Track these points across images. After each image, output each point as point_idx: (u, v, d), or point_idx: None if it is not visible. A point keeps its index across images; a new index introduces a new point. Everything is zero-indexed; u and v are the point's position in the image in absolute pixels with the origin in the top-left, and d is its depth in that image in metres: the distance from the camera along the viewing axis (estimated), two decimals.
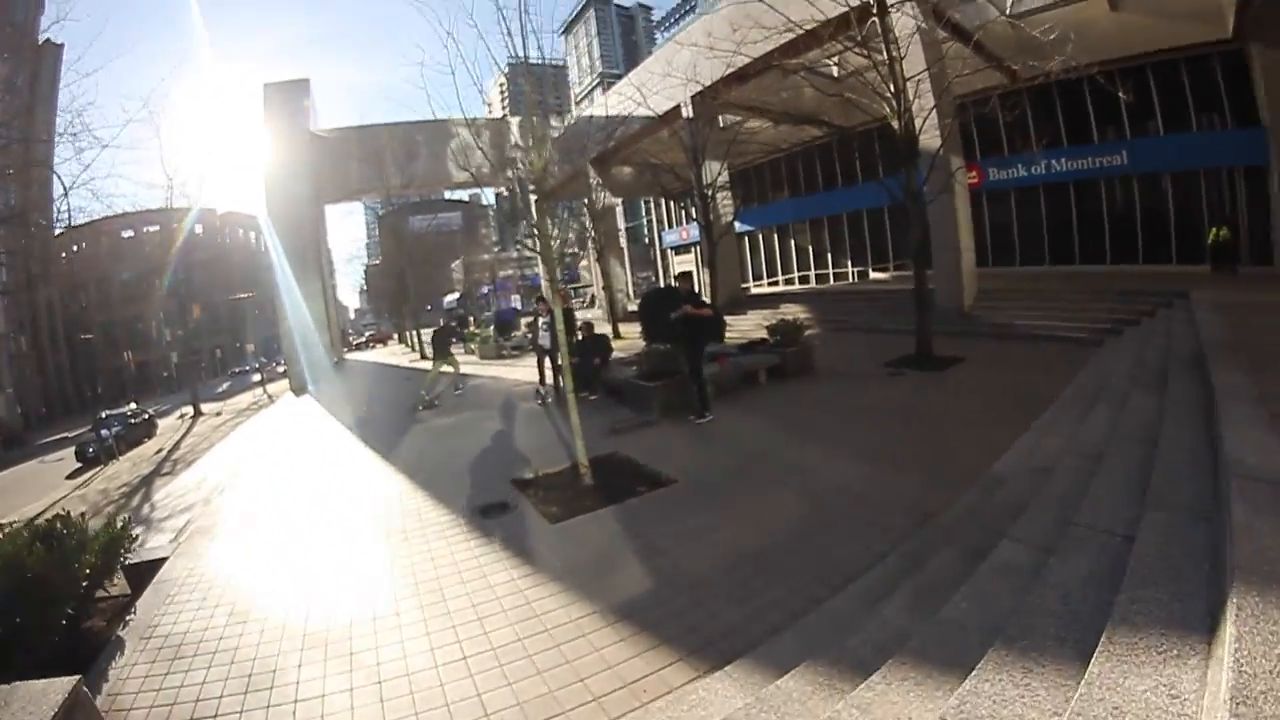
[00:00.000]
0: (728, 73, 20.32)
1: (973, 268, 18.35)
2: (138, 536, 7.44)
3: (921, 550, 4.86)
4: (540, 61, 8.39)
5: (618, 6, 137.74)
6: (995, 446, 7.02)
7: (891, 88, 12.77)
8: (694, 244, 39.05)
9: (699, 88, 22.61)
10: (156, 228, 61.68)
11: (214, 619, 5.73)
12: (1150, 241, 21.52)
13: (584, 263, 66.67)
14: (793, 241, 35.64)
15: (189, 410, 32.31)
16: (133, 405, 32.03)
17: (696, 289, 11.45)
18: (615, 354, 15.86)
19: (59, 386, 56.74)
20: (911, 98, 12.91)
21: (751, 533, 5.84)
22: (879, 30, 13.09)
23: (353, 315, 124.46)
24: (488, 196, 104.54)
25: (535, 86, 9.91)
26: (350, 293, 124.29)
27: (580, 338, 14.32)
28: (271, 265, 35.23)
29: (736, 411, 10.82)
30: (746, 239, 36.87)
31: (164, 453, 21.48)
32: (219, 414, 30.94)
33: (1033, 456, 6.42)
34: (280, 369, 42.39)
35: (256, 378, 38.90)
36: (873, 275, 30.53)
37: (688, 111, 24.96)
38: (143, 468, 19.00)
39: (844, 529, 5.69)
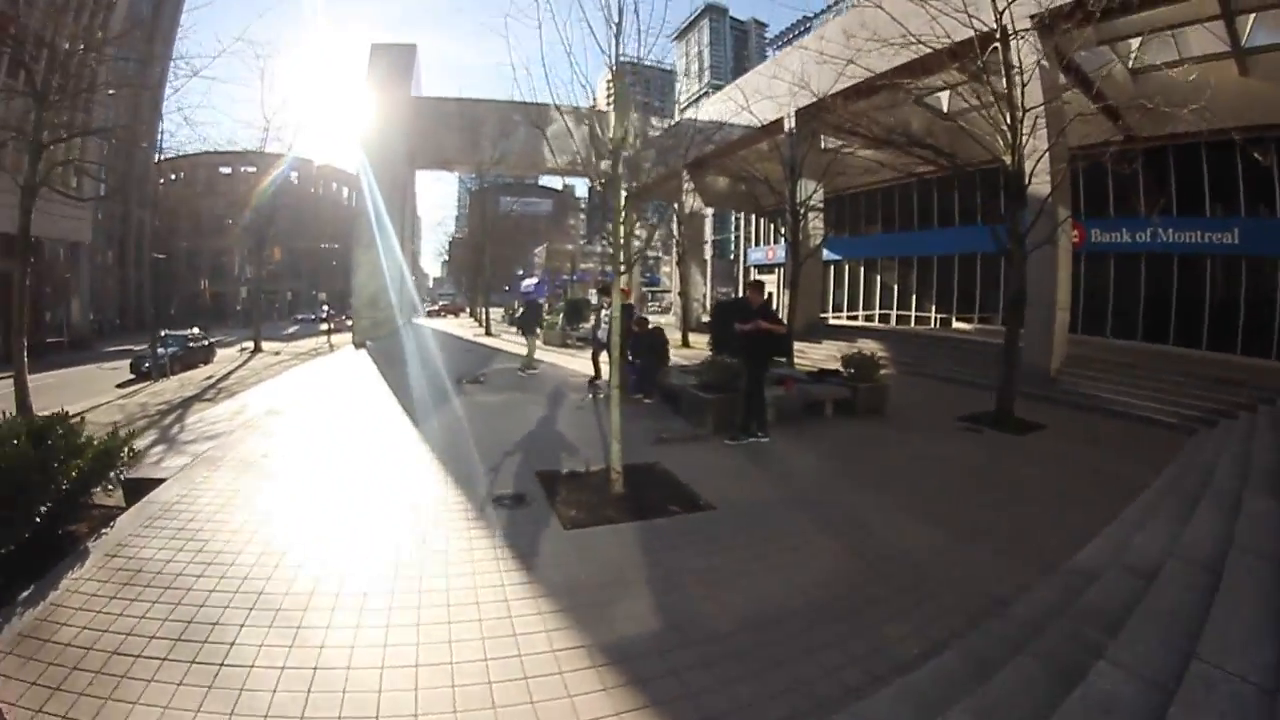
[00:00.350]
0: (836, 87, 19.37)
1: (1065, 329, 17.09)
2: (138, 451, 7.35)
3: (989, 651, 3.96)
4: (637, 59, 7.72)
5: (732, 19, 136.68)
6: (1076, 532, 6.11)
7: (1007, 118, 11.69)
8: (779, 265, 38.04)
9: (806, 100, 21.66)
10: (254, 169, 63.09)
11: (182, 552, 5.45)
12: (1251, 331, 19.74)
13: (666, 268, 65.99)
14: (878, 277, 34.31)
15: (250, 345, 32.72)
16: (195, 329, 32.94)
17: (774, 305, 10.57)
18: (680, 363, 15.37)
19: (137, 303, 58.55)
20: (1025, 134, 11.78)
21: (788, 586, 5.01)
22: (999, 59, 11.92)
23: (431, 284, 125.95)
24: (580, 189, 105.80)
25: (631, 72, 9.23)
26: (433, 261, 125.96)
27: (636, 331, 13.57)
28: (355, 220, 35.60)
29: (796, 442, 9.92)
30: (831, 268, 35.66)
31: (213, 380, 21.84)
32: (278, 353, 31.33)
33: (1125, 553, 5.42)
34: (348, 321, 42.81)
35: (324, 326, 39.28)
36: (955, 324, 29.10)
37: (790, 124, 24.17)
38: (187, 390, 19.18)
39: (896, 601, 4.82)
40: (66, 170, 16.19)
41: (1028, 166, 11.98)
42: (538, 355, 18.98)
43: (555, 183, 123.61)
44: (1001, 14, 11.58)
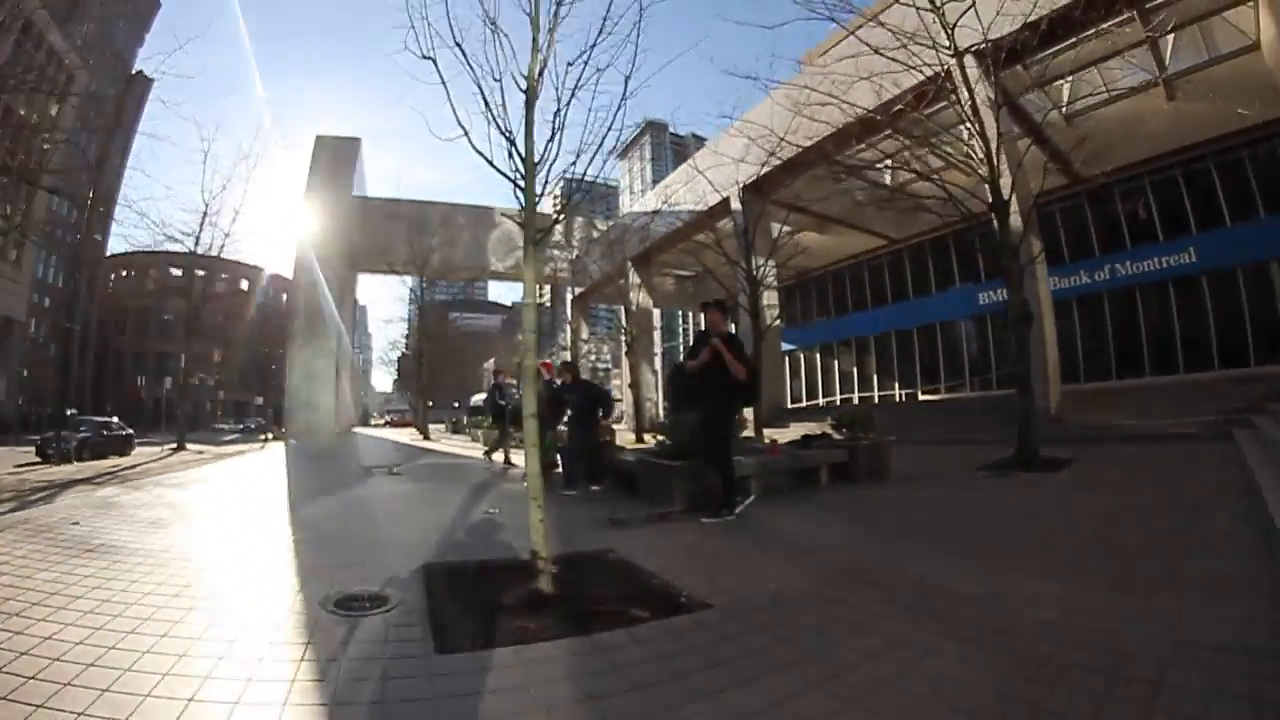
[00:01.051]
0: (775, 160, 18.04)
1: (1058, 367, 15.88)
2: None
3: None
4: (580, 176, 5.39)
5: (672, 135, 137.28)
6: (1233, 542, 4.51)
7: (978, 127, 10.69)
8: None
9: (752, 172, 20.25)
10: (203, 273, 60.68)
11: None
12: (1226, 344, 18.94)
13: (617, 380, 62.91)
14: (836, 362, 32.43)
15: (174, 444, 29.11)
16: (115, 419, 29.42)
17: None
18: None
19: (77, 398, 53.88)
20: (995, 142, 10.64)
21: None
22: (956, 84, 11.26)
23: (381, 399, 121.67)
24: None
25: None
26: (383, 376, 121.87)
27: (561, 383, 10.54)
28: (288, 317, 33.07)
29: (799, 513, 7.08)
30: (786, 359, 32.72)
31: (117, 468, 18.20)
32: (201, 452, 27.51)
33: None
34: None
35: (264, 436, 35.67)
36: (922, 398, 26.93)
37: (736, 202, 22.37)
38: (82, 474, 15.78)
39: (1119, 709, 2.29)
40: None
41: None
42: (459, 451, 15.97)
43: (504, 298, 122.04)
44: (954, 29, 10.55)
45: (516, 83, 4.76)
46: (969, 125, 10.85)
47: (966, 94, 10.99)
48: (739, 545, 5.60)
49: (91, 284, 60.20)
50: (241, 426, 55.21)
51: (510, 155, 4.79)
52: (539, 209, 4.81)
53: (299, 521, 7.10)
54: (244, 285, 67.69)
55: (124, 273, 63.47)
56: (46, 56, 39.35)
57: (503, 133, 4.81)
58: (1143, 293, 20.70)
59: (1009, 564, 4.31)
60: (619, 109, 4.87)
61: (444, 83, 4.83)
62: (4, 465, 18.81)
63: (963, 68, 11.22)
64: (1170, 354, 19.96)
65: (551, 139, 4.73)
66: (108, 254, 59.64)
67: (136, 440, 28.38)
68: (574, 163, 5.06)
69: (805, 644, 3.13)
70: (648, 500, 8.04)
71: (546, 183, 4.87)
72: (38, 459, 21.31)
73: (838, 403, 31.09)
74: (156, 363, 63.31)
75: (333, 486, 10.65)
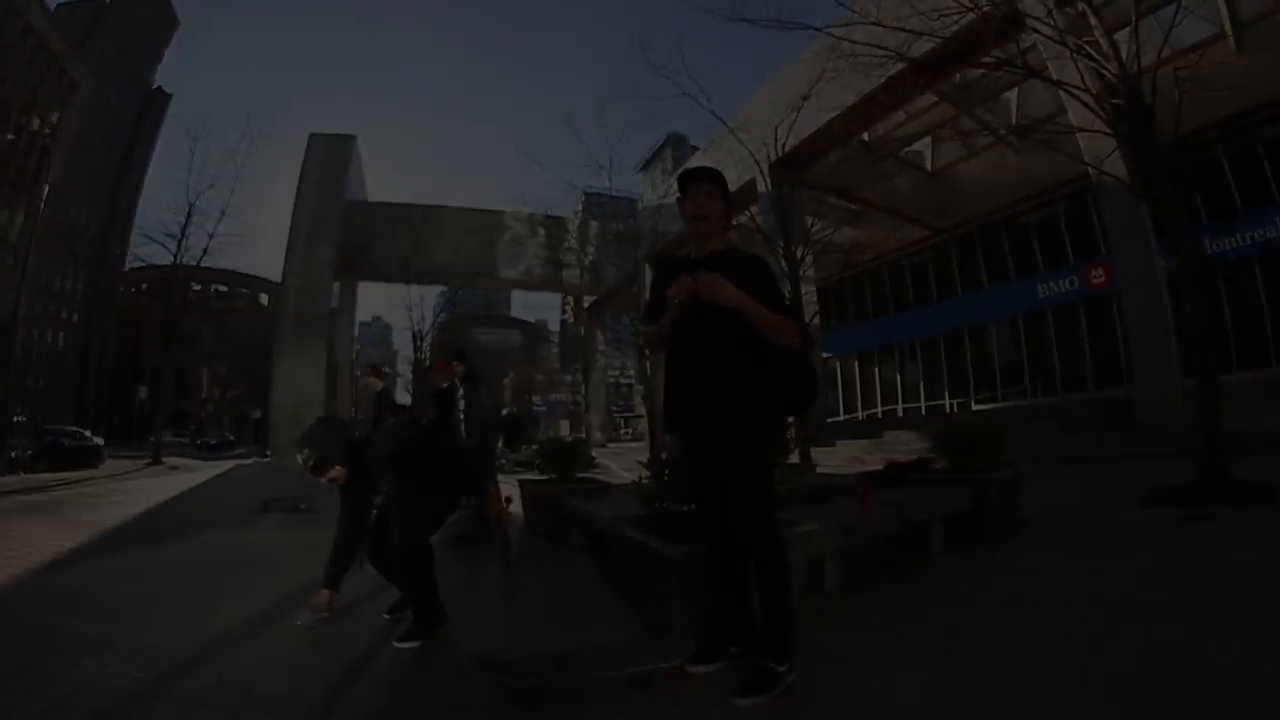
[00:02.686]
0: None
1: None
2: None
3: None
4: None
5: (693, 146, 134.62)
6: None
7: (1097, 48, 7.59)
8: None
9: (779, 146, 16.80)
10: (225, 287, 58.25)
11: None
12: None
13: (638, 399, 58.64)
14: (876, 370, 28.30)
15: (150, 459, 25.86)
16: (87, 431, 27.11)
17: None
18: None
19: (95, 410, 53.02)
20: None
21: None
22: None
23: None
24: (553, 321, 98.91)
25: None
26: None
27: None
28: (272, 324, 29.95)
29: (923, 641, 2.96)
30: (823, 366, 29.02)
31: (50, 483, 16.09)
32: (175, 468, 24.09)
33: None
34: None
35: (268, 453, 32.09)
36: (975, 407, 22.75)
37: (765, 177, 18.06)
38: (9, 487, 14.42)
39: None
40: None
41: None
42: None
43: (528, 313, 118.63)
44: None
45: None
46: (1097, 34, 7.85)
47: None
48: None
49: (110, 296, 57.74)
50: (200, 441, 48.02)
51: None
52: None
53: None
54: (264, 300, 64.85)
55: (143, 286, 61.29)
56: (48, 61, 37.07)
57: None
58: (1262, 266, 16.81)
59: None
60: None
61: None
62: None
63: None
64: None
65: None
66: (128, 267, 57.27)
67: (109, 453, 25.57)
68: None
69: None
70: (626, 597, 3.93)
71: None
72: None
73: (879, 415, 26.90)
74: (175, 377, 60.81)
75: (188, 529, 7.45)
